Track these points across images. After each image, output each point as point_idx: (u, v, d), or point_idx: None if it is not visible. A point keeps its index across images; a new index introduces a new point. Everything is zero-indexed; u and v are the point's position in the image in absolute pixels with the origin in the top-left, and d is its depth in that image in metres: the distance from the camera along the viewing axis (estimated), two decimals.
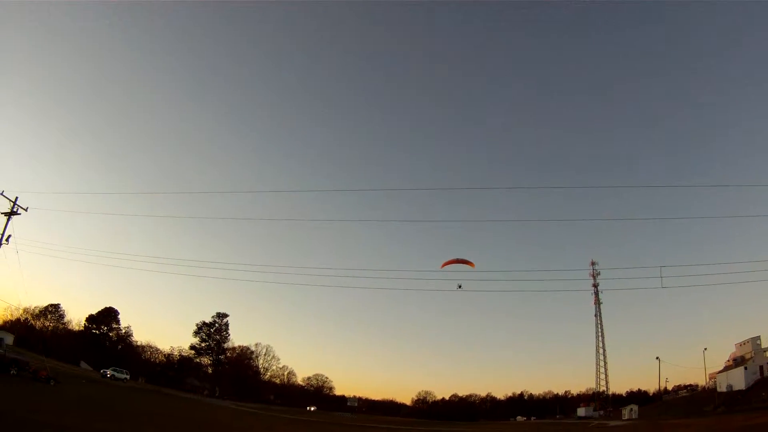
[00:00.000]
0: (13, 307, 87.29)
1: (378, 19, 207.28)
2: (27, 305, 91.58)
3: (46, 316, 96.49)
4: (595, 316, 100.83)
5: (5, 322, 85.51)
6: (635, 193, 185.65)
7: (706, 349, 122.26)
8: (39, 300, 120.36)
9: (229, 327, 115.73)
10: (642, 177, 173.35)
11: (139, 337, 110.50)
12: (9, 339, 55.42)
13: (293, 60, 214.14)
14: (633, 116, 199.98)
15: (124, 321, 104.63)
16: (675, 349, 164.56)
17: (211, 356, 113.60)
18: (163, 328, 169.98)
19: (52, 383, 30.76)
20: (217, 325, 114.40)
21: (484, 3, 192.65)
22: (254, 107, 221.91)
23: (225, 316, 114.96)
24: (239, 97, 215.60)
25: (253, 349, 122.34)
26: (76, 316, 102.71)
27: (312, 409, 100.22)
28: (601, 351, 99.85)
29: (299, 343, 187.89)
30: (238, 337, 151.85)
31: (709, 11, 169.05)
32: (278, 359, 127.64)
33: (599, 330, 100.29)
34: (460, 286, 40.43)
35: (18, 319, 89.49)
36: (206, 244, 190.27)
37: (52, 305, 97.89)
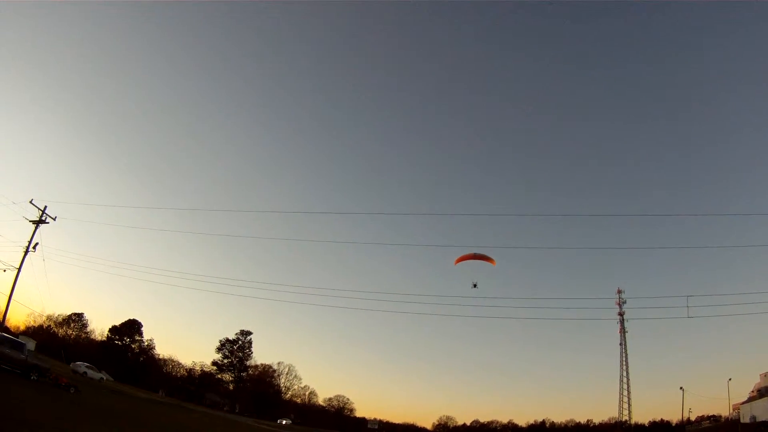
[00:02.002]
0: (36, 314, 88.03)
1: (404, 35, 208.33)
2: (50, 313, 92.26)
3: (69, 325, 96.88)
4: (620, 344, 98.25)
5: (28, 328, 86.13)
6: (662, 221, 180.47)
7: (730, 379, 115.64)
8: (63, 308, 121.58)
9: (252, 345, 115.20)
10: (669, 205, 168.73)
11: (162, 351, 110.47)
12: (31, 345, 55.16)
13: (336, 88, 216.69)
14: (661, 144, 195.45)
15: (147, 333, 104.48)
16: (699, 378, 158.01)
17: (233, 373, 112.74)
18: (186, 342, 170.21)
19: (72, 391, 29.85)
20: (240, 342, 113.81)
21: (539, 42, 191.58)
22: (286, 127, 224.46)
23: (248, 333, 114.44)
24: (272, 118, 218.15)
25: (275, 367, 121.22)
26: (99, 326, 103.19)
27: (284, 422, 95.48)
28: (625, 380, 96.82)
29: (322, 363, 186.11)
30: (260, 355, 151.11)
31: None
32: (300, 379, 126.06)
33: (623, 359, 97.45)
34: (475, 285, 36.18)
35: (41, 326, 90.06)
36: (233, 261, 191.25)
37: (75, 314, 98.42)
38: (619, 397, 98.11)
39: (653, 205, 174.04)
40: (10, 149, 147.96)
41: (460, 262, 35.87)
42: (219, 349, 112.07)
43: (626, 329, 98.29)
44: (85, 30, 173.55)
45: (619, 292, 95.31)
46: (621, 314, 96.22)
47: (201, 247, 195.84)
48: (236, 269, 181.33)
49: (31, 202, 46.69)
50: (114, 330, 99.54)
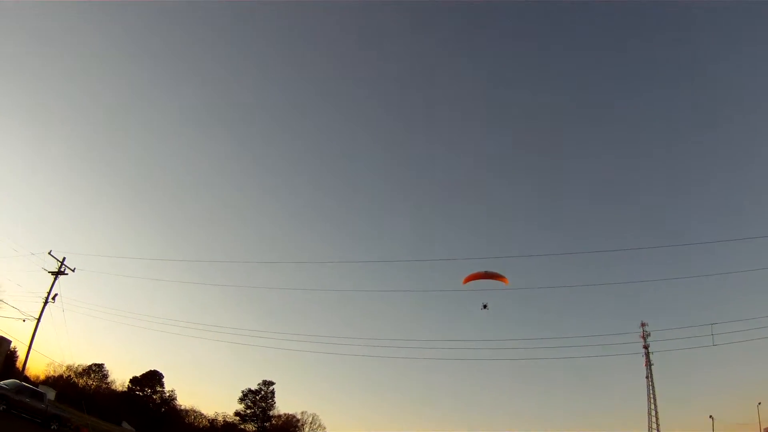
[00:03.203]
0: (56, 364, 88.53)
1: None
2: (71, 362, 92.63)
3: (90, 375, 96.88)
4: (647, 377, 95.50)
5: (48, 378, 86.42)
6: (683, 250, 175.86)
7: (759, 403, 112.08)
8: (83, 358, 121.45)
9: (275, 394, 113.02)
10: (689, 234, 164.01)
11: (183, 401, 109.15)
12: (51, 394, 55.34)
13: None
14: (679, 173, 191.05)
15: (169, 384, 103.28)
16: (727, 405, 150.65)
17: (256, 423, 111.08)
18: (207, 393, 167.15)
19: None
20: (263, 392, 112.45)
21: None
22: (306, 182, 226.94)
23: (271, 384, 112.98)
24: (288, 172, 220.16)
25: (299, 417, 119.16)
26: (120, 377, 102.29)
27: None
28: (653, 413, 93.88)
29: (346, 412, 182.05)
30: (284, 405, 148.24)
31: None
32: (324, 428, 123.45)
33: (650, 391, 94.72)
34: (485, 306, 34.09)
35: (61, 376, 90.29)
36: (253, 311, 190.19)
37: (96, 364, 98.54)
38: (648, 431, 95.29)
39: (670, 236, 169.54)
40: (29, 200, 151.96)
41: (469, 282, 33.65)
42: (241, 400, 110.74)
43: (652, 362, 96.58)
44: (103, 83, 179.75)
45: (643, 325, 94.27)
46: (646, 347, 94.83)
47: (221, 298, 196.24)
48: (257, 319, 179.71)
49: (49, 253, 47.69)
50: (135, 381, 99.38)
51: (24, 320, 45.87)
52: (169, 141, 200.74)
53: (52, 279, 46.88)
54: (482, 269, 33.20)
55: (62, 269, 47.06)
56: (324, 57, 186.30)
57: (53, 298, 46.14)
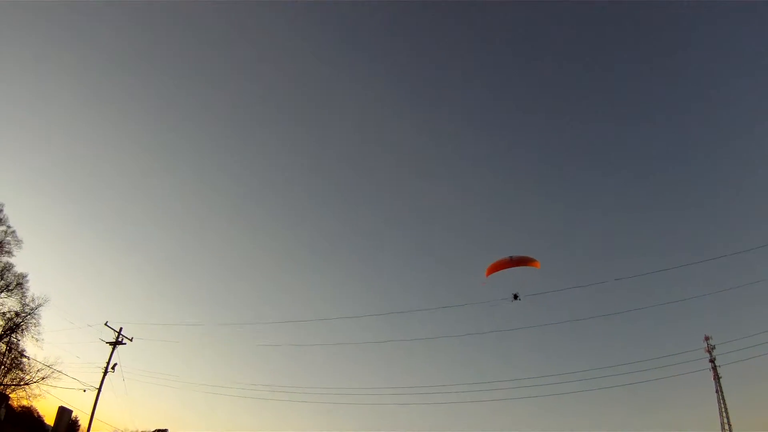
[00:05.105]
0: (120, 431, 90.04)
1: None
2: (134, 429, 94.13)
3: None
4: (717, 392, 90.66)
5: None
6: (741, 259, 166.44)
7: None
8: (146, 424, 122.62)
9: None
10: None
11: None
12: None
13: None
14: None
15: None
16: None
17: None
18: None
19: None
20: None
21: None
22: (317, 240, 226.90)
23: None
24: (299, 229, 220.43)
25: None
26: None
27: None
28: (726, 428, 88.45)
29: None
30: None
31: None
32: None
33: (722, 406, 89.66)
34: (516, 296, 29.72)
35: None
36: (313, 372, 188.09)
37: (159, 430, 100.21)
38: None
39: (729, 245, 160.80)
40: (84, 273, 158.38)
41: (492, 274, 29.54)
42: None
43: (720, 375, 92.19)
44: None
45: (707, 338, 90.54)
46: (712, 361, 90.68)
47: (275, 358, 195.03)
48: (322, 377, 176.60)
49: (106, 324, 49.65)
50: None
51: (84, 390, 47.42)
52: (215, 218, 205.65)
53: (111, 349, 48.97)
54: (507, 256, 28.57)
55: (120, 339, 49.10)
56: None
57: (113, 368, 47.84)
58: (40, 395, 49.39)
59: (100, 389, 47.25)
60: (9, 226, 47.35)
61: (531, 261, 29.04)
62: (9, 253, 47.09)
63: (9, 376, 49.56)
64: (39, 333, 47.88)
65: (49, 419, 59.07)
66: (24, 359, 48.88)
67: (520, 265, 28.87)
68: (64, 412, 55.81)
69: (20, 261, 49.49)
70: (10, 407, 51.34)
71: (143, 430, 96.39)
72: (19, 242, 47.80)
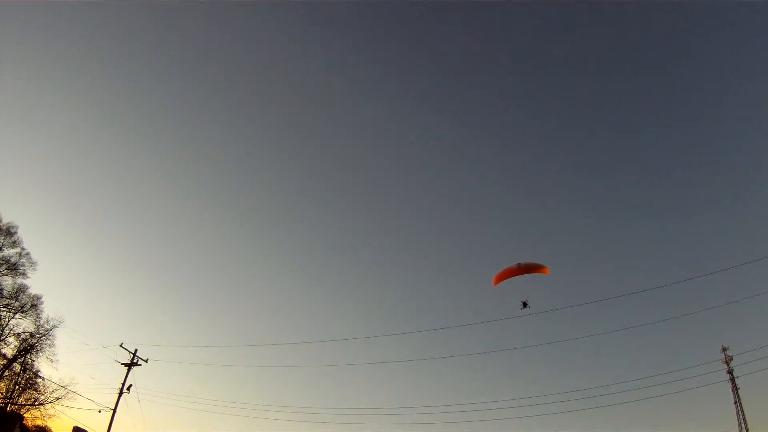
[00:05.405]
0: None
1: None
2: None
3: None
4: (735, 403, 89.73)
5: None
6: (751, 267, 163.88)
7: None
8: None
9: None
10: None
11: None
12: None
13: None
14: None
15: None
16: None
17: None
18: None
19: None
20: None
21: None
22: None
23: None
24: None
25: None
26: None
27: None
28: None
29: None
30: None
31: None
32: None
33: (740, 418, 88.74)
34: (525, 304, 28.75)
35: None
36: (337, 393, 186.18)
37: None
38: None
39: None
40: (99, 294, 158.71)
41: (501, 282, 28.83)
42: None
43: (738, 386, 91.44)
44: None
45: (724, 349, 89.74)
46: (730, 372, 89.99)
47: (288, 380, 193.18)
48: (342, 399, 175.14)
49: (121, 345, 49.37)
50: None
51: (99, 411, 47.13)
52: (233, 239, 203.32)
53: (126, 370, 48.83)
54: (515, 263, 28.08)
55: (135, 360, 48.92)
56: None
57: (128, 389, 47.69)
58: (55, 415, 48.77)
59: (115, 410, 46.82)
60: (23, 248, 47.39)
61: (540, 268, 28.71)
62: (23, 274, 47.02)
63: (24, 396, 49.15)
64: (54, 354, 47.56)
65: None
66: (39, 380, 48.65)
67: (528, 272, 28.49)
68: None
69: (35, 282, 49.68)
70: (24, 427, 51.00)
71: None
72: (33, 264, 47.64)
